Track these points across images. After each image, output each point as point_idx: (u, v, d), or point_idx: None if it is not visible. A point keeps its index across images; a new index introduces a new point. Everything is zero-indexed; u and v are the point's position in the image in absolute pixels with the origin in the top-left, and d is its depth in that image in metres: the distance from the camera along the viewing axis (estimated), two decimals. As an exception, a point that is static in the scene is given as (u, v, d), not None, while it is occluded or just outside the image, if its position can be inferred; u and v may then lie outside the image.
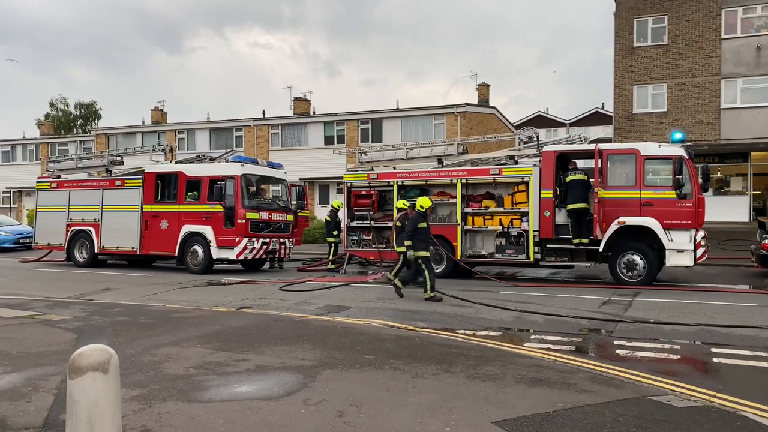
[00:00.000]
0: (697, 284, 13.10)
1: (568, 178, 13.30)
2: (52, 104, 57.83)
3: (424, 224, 11.22)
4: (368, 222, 15.60)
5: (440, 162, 15.53)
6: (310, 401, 4.72)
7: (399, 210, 13.39)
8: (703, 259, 12.54)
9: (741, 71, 24.34)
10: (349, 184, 16.02)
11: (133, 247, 17.13)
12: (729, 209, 23.84)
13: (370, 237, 15.61)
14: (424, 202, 11.31)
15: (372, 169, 16.13)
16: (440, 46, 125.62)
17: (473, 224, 14.42)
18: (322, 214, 30.87)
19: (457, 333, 7.92)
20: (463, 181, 14.51)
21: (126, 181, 17.68)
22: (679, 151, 12.62)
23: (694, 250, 12.25)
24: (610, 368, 5.97)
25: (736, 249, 18.07)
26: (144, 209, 16.99)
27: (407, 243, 11.14)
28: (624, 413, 4.46)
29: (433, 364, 5.90)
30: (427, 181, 15.11)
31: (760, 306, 10.06)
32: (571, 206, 13.08)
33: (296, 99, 35.54)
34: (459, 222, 14.38)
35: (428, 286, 10.89)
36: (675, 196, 12.37)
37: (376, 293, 11.85)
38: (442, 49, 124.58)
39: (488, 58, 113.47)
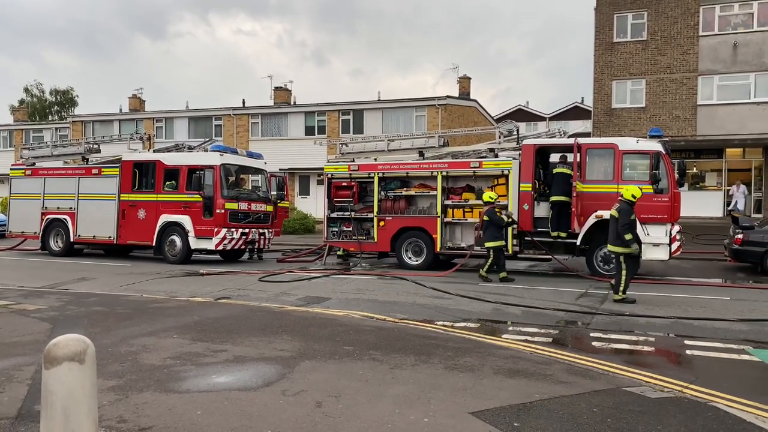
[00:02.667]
0: (672, 278, 13.32)
1: (555, 170, 13.47)
2: (27, 90, 56.70)
3: (634, 216, 10.14)
4: (349, 213, 15.57)
5: (421, 154, 15.55)
6: (289, 392, 4.71)
7: (486, 203, 12.85)
8: (678, 253, 12.75)
9: (718, 68, 24.70)
10: (329, 176, 15.97)
11: (109, 237, 16.91)
12: (704, 204, 24.26)
13: (351, 228, 15.60)
14: (635, 191, 10.20)
15: (353, 161, 16.10)
16: (431, 36, 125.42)
17: (453, 216, 14.47)
18: (301, 205, 30.81)
19: (436, 324, 7.97)
20: (444, 173, 14.55)
21: (103, 169, 17.42)
22: (656, 146, 12.79)
23: (670, 244, 12.46)
24: (586, 360, 6.05)
25: (710, 243, 18.39)
26: (121, 198, 16.77)
27: (628, 237, 9.73)
28: (599, 404, 4.53)
29: (412, 355, 5.93)
30: (408, 173, 15.12)
31: (733, 299, 10.28)
32: (553, 198, 13.24)
33: (277, 88, 35.24)
34: (439, 214, 14.43)
35: (623, 287, 9.86)
36: (652, 190, 12.54)
37: (355, 285, 11.86)
38: (433, 40, 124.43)
39: (479, 49, 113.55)
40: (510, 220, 13.07)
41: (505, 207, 13.49)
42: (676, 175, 12.73)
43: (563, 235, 13.16)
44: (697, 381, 5.42)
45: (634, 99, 25.96)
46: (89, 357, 2.77)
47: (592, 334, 7.53)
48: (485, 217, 12.64)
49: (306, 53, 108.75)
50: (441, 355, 5.93)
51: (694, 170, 25.85)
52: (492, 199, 12.85)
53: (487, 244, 12.63)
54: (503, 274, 12.46)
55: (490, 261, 12.56)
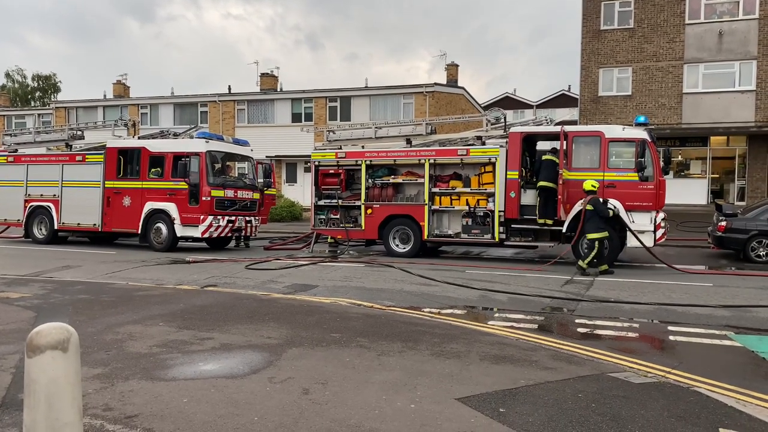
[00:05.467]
0: (657, 264, 13.45)
1: (544, 157, 13.51)
2: (8, 75, 55.84)
3: None
4: (336, 201, 15.54)
5: (409, 142, 15.53)
6: (276, 379, 4.71)
7: (588, 192, 12.04)
8: (663, 240, 12.88)
9: (703, 56, 24.83)
10: (316, 163, 15.91)
11: (94, 224, 16.76)
12: (688, 192, 24.49)
13: (338, 216, 15.58)
14: None
15: (340, 148, 16.02)
16: (428, 20, 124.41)
17: (440, 204, 14.49)
18: (288, 192, 30.71)
19: (423, 311, 8.00)
20: (431, 161, 14.55)
21: (87, 156, 17.22)
22: (642, 134, 12.86)
23: (654, 231, 12.57)
24: (571, 346, 6.11)
25: (694, 230, 18.58)
26: (106, 185, 16.61)
27: None
28: (584, 389, 4.57)
29: (399, 341, 5.95)
30: (395, 160, 15.10)
31: (715, 286, 10.41)
32: (541, 183, 13.28)
33: (263, 75, 35.01)
34: (426, 202, 14.44)
35: None
36: (637, 178, 12.63)
37: (343, 272, 11.86)
38: (429, 25, 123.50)
39: (475, 35, 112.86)
40: (614, 212, 12.18)
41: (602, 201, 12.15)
42: (662, 163, 12.82)
43: (549, 222, 13.24)
44: (680, 366, 5.49)
45: (620, 87, 26.06)
46: (73, 345, 2.75)
47: (577, 321, 7.59)
48: (588, 207, 11.84)
49: (300, 37, 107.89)
50: (428, 342, 5.95)
51: (679, 158, 26.06)
52: (594, 187, 12.09)
53: (590, 236, 11.80)
54: (604, 266, 11.84)
55: (594, 253, 11.65)
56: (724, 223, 14.35)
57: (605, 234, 11.86)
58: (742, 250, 14.20)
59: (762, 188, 24.44)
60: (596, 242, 11.71)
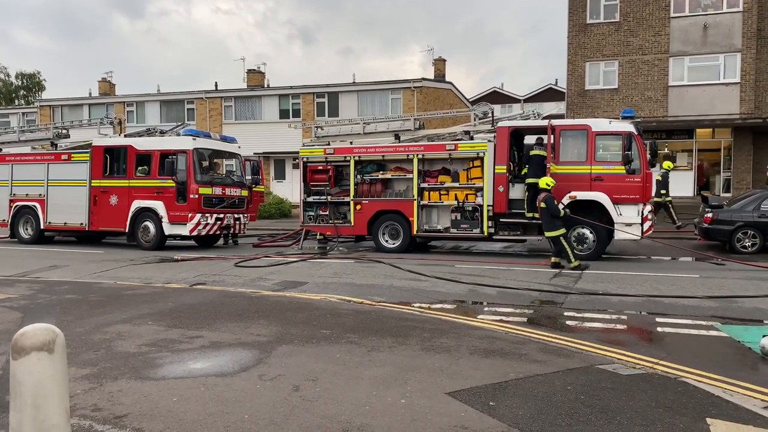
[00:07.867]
0: (644, 256, 13.56)
1: (531, 152, 13.53)
2: (-10, 73, 55.07)
3: None
4: (325, 197, 15.51)
5: (397, 137, 15.52)
6: (266, 377, 4.70)
7: (542, 190, 12.04)
8: (650, 232, 12.97)
9: (688, 49, 24.99)
10: (305, 159, 15.86)
11: (81, 223, 16.63)
12: (675, 184, 24.63)
13: (327, 212, 15.55)
14: None
15: (329, 144, 16.00)
16: (425, 14, 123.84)
17: (429, 199, 14.51)
18: (277, 189, 30.62)
19: (413, 306, 8.01)
20: (420, 156, 14.55)
21: (73, 155, 17.07)
22: (628, 127, 12.93)
23: (642, 224, 12.66)
24: (560, 339, 6.14)
25: (681, 222, 18.71)
26: (92, 184, 16.48)
27: None
28: (573, 382, 4.60)
29: (389, 337, 5.96)
30: (384, 156, 15.09)
31: (702, 277, 10.50)
32: (529, 180, 13.31)
33: (250, 71, 34.77)
34: (415, 197, 14.45)
35: None
36: (624, 171, 12.71)
37: (333, 269, 11.85)
38: (426, 19, 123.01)
39: (473, 28, 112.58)
40: (566, 213, 12.04)
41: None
42: (648, 156, 12.91)
43: (537, 216, 13.26)
44: (667, 357, 5.54)
45: (606, 80, 26.17)
46: (59, 346, 2.72)
47: (566, 313, 7.64)
48: (542, 204, 11.88)
49: (293, 32, 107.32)
50: (418, 337, 5.96)
51: (666, 150, 26.22)
52: (549, 186, 12.03)
53: (547, 234, 11.96)
54: (557, 260, 11.85)
55: (568, 249, 11.67)
56: (710, 215, 14.48)
57: (562, 231, 11.87)
58: (728, 241, 14.34)
59: (747, 179, 24.67)
60: (561, 239, 11.76)
